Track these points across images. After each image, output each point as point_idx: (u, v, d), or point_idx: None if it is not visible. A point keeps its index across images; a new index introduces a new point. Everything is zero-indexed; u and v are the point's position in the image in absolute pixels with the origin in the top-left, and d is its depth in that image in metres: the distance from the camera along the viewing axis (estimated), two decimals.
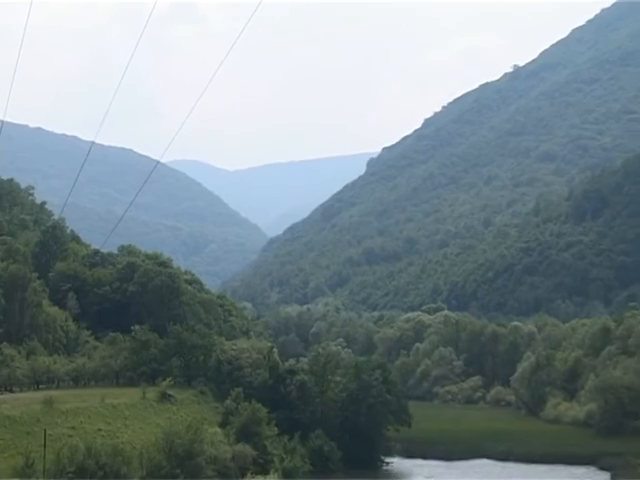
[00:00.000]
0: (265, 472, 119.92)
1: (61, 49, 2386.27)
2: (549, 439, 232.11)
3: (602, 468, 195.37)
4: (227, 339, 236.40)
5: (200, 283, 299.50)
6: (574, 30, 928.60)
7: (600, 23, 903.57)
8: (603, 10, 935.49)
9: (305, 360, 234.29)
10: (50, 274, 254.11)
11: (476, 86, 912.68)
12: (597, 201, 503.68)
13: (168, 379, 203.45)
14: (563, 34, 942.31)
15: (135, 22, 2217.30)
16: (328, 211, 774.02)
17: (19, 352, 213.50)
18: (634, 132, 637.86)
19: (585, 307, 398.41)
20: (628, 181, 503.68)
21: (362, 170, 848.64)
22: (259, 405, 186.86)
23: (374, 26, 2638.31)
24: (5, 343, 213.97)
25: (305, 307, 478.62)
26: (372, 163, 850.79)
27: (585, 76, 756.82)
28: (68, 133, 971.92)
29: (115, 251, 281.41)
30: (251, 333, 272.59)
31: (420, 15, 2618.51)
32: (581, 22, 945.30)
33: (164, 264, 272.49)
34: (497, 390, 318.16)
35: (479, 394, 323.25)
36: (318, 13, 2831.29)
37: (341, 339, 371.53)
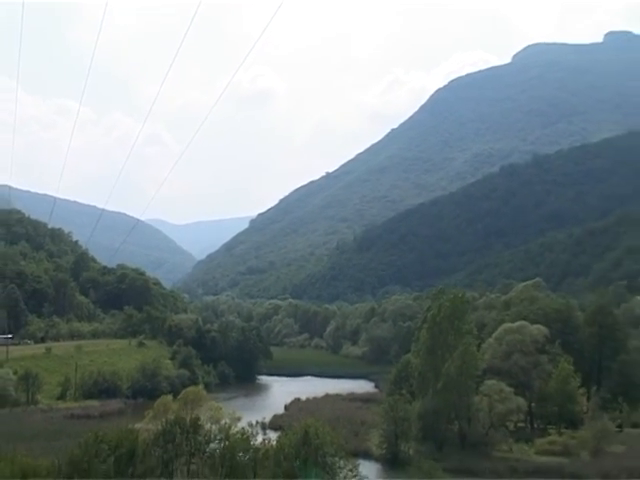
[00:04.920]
0: (195, 384, 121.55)
1: (87, 159, 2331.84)
2: (343, 366, 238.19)
3: (370, 380, 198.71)
4: (175, 314, 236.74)
5: (160, 284, 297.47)
6: (358, 154, 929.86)
7: (372, 150, 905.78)
8: (373, 145, 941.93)
9: (216, 325, 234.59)
10: (80, 279, 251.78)
11: (306, 182, 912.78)
12: (369, 242, 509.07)
13: (142, 335, 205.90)
14: (352, 156, 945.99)
15: (125, 144, 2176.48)
16: (229, 246, 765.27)
17: (62, 320, 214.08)
18: (389, 207, 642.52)
19: (362, 297, 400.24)
20: (385, 232, 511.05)
21: (247, 225, 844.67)
22: (191, 348, 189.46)
23: (262, 137, 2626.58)
24: (55, 316, 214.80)
25: (216, 297, 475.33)
26: (253, 221, 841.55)
27: (363, 178, 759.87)
28: (90, 204, 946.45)
29: (115, 267, 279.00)
30: (187, 311, 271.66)
31: (282, 137, 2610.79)
32: (361, 149, 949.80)
33: (141, 274, 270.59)
34: (316, 340, 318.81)
35: (307, 342, 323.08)
36: (233, 128, 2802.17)
37: (235, 314, 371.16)
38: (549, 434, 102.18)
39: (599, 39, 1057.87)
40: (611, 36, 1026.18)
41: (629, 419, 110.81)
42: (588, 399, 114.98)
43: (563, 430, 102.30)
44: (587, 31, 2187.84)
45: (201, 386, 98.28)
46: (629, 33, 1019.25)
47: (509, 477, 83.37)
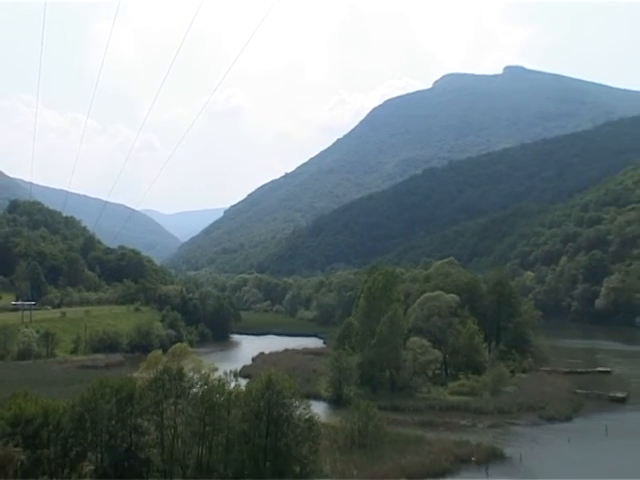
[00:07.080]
0: (180, 342, 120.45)
1: (94, 161, 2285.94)
2: (298, 326, 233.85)
3: (319, 338, 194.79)
4: (163, 285, 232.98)
5: (152, 261, 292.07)
6: (310, 159, 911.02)
7: (322, 155, 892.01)
8: (322, 151, 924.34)
9: (197, 294, 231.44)
10: (88, 257, 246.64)
11: (269, 180, 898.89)
12: (319, 228, 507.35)
13: (138, 302, 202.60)
14: (306, 160, 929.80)
15: (124, 149, 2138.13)
16: (208, 231, 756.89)
17: (74, 290, 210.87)
18: (335, 201, 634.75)
19: (314, 272, 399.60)
20: (332, 220, 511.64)
21: (221, 214, 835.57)
22: (177, 313, 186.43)
23: (233, 144, 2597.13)
24: (68, 287, 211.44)
25: (197, 272, 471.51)
26: (226, 211, 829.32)
27: (315, 177, 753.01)
28: (96, 197, 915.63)
29: (116, 247, 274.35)
30: (174, 283, 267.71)
31: (250, 144, 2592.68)
32: (313, 155, 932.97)
33: (137, 253, 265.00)
34: (277, 306, 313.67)
35: (270, 308, 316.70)
36: (211, 136, 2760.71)
37: (212, 285, 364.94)
38: (459, 379, 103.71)
39: (499, 71, 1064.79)
40: (508, 69, 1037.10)
41: (520, 366, 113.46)
42: (489, 351, 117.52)
43: (470, 375, 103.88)
44: (490, 64, 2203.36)
45: (186, 343, 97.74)
46: (521, 67, 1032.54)
47: (428, 412, 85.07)
